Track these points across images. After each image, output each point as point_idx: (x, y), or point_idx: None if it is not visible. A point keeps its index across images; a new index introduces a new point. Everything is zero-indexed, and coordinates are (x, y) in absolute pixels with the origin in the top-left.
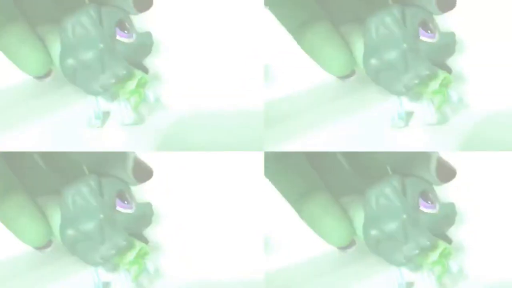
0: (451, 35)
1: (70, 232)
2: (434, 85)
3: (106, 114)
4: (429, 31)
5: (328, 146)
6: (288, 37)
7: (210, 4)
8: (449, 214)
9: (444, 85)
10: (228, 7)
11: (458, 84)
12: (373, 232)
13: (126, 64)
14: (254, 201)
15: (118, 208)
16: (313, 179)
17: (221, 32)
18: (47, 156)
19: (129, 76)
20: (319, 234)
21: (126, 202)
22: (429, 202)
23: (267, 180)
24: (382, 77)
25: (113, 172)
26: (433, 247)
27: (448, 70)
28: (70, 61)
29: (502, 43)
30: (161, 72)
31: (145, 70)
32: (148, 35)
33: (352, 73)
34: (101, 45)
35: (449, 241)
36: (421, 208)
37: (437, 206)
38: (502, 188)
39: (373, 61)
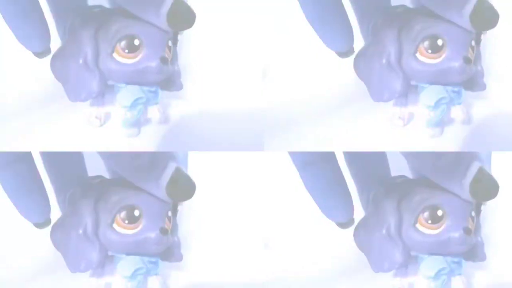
0: (459, 60)
1: (57, 234)
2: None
3: (107, 115)
4: (430, 51)
5: (328, 146)
6: (287, 37)
7: (210, 5)
8: (452, 241)
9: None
10: (228, 9)
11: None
12: (361, 233)
13: (101, 85)
14: (254, 201)
15: (115, 225)
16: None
17: (221, 32)
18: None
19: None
20: (318, 206)
21: (127, 222)
22: (430, 221)
23: (276, 161)
24: (365, 81)
25: (144, 184)
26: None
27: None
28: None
29: None
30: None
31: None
32: (157, 60)
33: (352, 50)
34: (80, 61)
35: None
36: (418, 225)
37: (442, 228)
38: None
39: (361, 60)
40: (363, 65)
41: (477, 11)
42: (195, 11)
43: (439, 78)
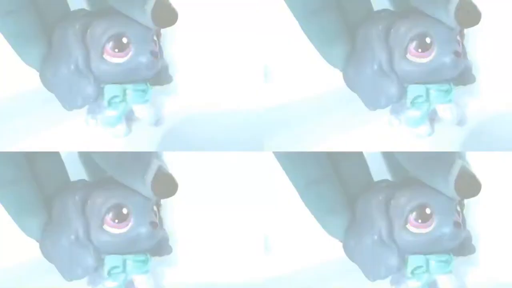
0: (450, 54)
1: (47, 242)
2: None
3: (104, 114)
4: (420, 50)
5: (329, 146)
6: (288, 36)
7: (209, 7)
8: (444, 237)
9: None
10: (228, 8)
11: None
12: (351, 242)
13: (96, 87)
14: (254, 201)
15: (105, 226)
16: (325, 167)
17: (221, 33)
18: (53, 156)
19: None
20: (322, 226)
21: (117, 221)
22: (419, 220)
23: (275, 161)
24: (357, 91)
25: (130, 182)
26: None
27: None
28: (48, 75)
29: None
30: (163, 73)
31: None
32: (147, 55)
33: None
34: (72, 67)
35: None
36: (408, 226)
37: (433, 225)
38: (502, 188)
39: (350, 72)
40: (353, 74)
41: (461, 7)
42: (194, 13)
43: (432, 76)
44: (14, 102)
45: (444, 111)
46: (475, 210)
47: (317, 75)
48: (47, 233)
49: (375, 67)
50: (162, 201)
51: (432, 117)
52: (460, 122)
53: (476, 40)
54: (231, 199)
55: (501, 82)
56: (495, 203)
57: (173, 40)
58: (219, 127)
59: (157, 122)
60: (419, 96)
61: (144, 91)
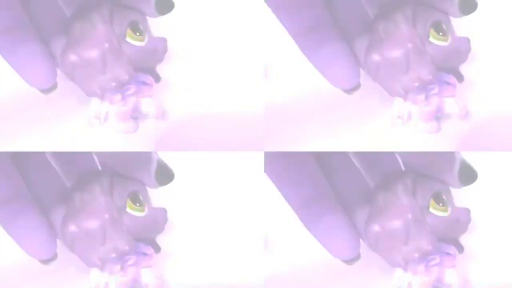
0: (465, 40)
1: (71, 227)
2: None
3: (106, 114)
4: (441, 33)
5: (329, 146)
6: (287, 37)
7: (209, 7)
8: (461, 219)
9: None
10: (228, 8)
11: (466, 86)
12: (375, 227)
13: (130, 68)
14: (254, 201)
15: (128, 210)
16: (321, 183)
17: (221, 33)
18: (62, 156)
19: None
20: (323, 245)
21: (138, 204)
22: (441, 204)
23: (269, 180)
24: (382, 75)
25: (135, 174)
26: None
27: (459, 77)
28: (72, 57)
29: None
30: (163, 73)
31: (156, 76)
32: (162, 41)
33: (358, 86)
34: (106, 45)
35: (460, 248)
36: (431, 209)
37: (449, 210)
38: (502, 188)
39: (375, 57)
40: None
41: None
42: (195, 15)
43: (452, 59)
44: (14, 103)
45: (451, 105)
46: (475, 210)
47: (317, 75)
48: (69, 218)
49: (409, 45)
50: (163, 202)
51: (439, 116)
52: (466, 116)
53: (479, 42)
54: (231, 199)
55: (502, 83)
56: (495, 202)
57: (175, 43)
58: (218, 127)
59: (163, 116)
60: (432, 88)
61: (150, 84)
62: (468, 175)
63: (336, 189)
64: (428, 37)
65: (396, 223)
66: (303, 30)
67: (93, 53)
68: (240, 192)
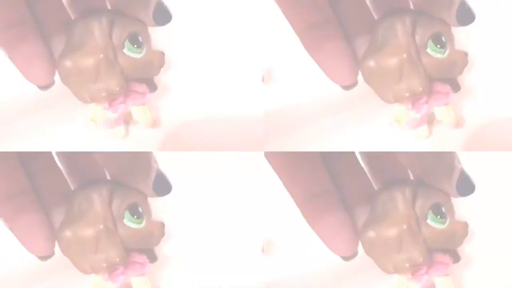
0: (463, 54)
1: (67, 233)
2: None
3: (104, 116)
4: (439, 46)
5: (329, 146)
6: (288, 40)
7: (210, 10)
8: (457, 233)
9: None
10: (228, 11)
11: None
12: (370, 233)
13: (122, 81)
14: (254, 201)
15: (125, 221)
16: (325, 180)
17: (222, 36)
18: (66, 157)
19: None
20: (324, 242)
21: (136, 216)
22: (439, 216)
23: (275, 176)
24: (374, 81)
25: (134, 183)
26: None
27: (456, 87)
28: (67, 63)
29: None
30: (164, 75)
31: (152, 86)
32: (160, 54)
33: (356, 83)
34: (101, 55)
35: (456, 258)
36: (428, 221)
37: (447, 222)
38: (502, 188)
39: (370, 62)
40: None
41: (461, 9)
42: (195, 18)
43: (447, 72)
44: (14, 103)
45: (442, 113)
46: (475, 209)
47: (319, 76)
48: (67, 223)
49: (404, 55)
50: (162, 205)
51: (431, 120)
52: (458, 124)
53: (475, 43)
54: (229, 202)
55: (500, 85)
56: (495, 203)
57: (176, 46)
58: (218, 129)
59: (154, 124)
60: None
61: (142, 93)
62: (465, 187)
63: (339, 186)
64: (426, 48)
65: (391, 232)
66: (307, 25)
67: (87, 62)
68: (239, 195)
